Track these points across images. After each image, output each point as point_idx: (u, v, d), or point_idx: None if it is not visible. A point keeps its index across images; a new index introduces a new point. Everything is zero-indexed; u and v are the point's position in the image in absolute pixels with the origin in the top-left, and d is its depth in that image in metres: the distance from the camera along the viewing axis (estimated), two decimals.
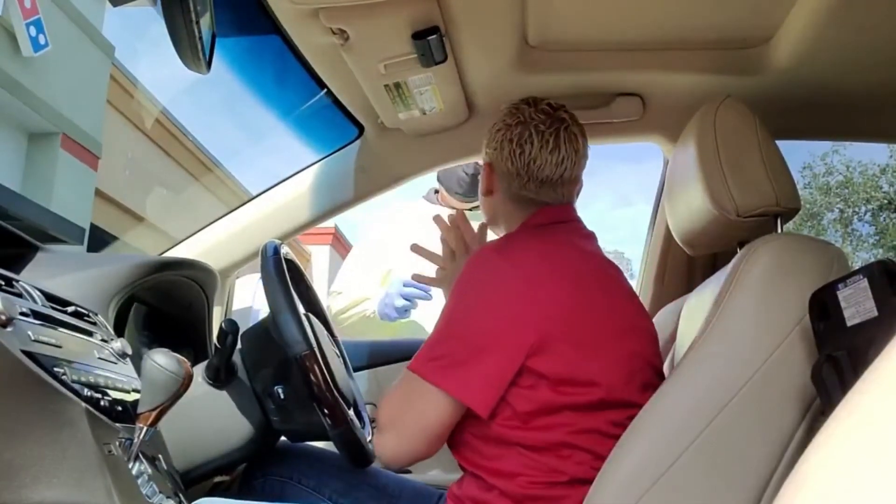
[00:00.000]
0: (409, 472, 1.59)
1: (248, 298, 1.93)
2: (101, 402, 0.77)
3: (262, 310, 1.86)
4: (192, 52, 0.87)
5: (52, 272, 1.06)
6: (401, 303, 1.86)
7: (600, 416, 0.96)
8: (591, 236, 1.14)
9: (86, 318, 0.94)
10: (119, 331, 1.18)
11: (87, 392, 0.75)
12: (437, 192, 2.08)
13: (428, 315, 1.87)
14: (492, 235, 1.25)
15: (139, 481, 0.77)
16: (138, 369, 0.84)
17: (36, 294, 0.85)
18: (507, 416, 0.96)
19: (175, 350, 0.83)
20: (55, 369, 0.72)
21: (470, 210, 2.01)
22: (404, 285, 1.86)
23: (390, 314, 1.86)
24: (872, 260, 0.77)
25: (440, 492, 1.14)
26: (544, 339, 0.94)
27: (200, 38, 0.87)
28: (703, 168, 1.02)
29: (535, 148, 1.10)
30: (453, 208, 2.01)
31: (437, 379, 0.96)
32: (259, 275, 1.11)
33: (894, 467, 0.21)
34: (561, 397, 0.95)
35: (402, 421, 1.00)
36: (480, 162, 1.86)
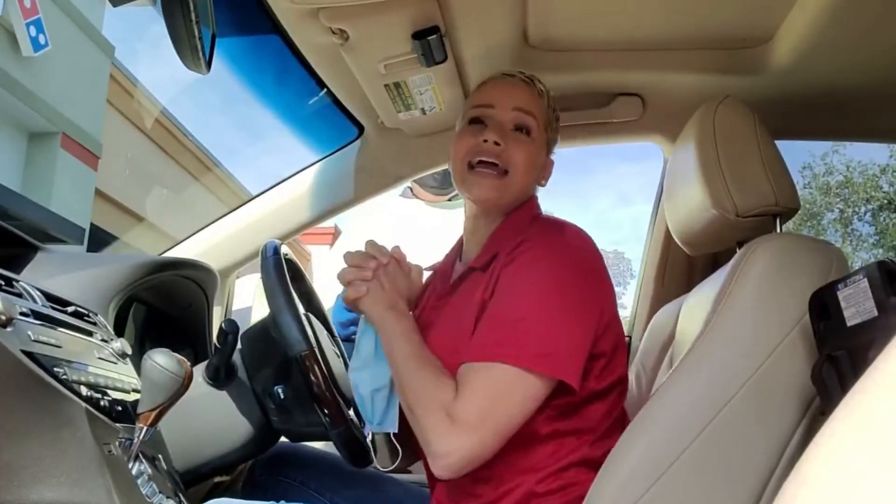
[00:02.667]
0: (408, 471, 1.59)
1: (248, 298, 1.93)
2: (101, 402, 0.77)
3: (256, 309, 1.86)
4: (192, 52, 0.87)
5: (52, 272, 1.06)
6: (346, 316, 1.72)
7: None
8: None
9: (86, 318, 0.94)
10: (119, 331, 1.18)
11: (86, 392, 0.75)
12: (411, 188, 2.07)
13: None
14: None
15: (139, 481, 0.77)
16: (138, 369, 0.84)
17: (36, 294, 0.85)
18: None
19: (175, 350, 0.83)
20: (55, 369, 0.72)
21: (448, 201, 2.02)
22: None
23: (339, 331, 1.53)
24: (872, 260, 0.77)
25: None
26: (608, 323, 0.96)
27: (200, 38, 0.87)
28: (702, 168, 1.02)
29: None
30: (429, 201, 2.02)
31: (535, 364, 0.88)
32: (259, 275, 1.11)
33: (894, 466, 0.21)
34: (599, 383, 0.97)
35: (494, 416, 0.87)
36: None
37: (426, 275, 1.14)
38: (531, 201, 1.10)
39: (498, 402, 0.88)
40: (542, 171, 1.10)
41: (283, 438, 1.24)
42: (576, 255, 0.97)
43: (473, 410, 0.87)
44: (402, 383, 0.95)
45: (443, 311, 1.06)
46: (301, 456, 1.26)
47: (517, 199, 1.06)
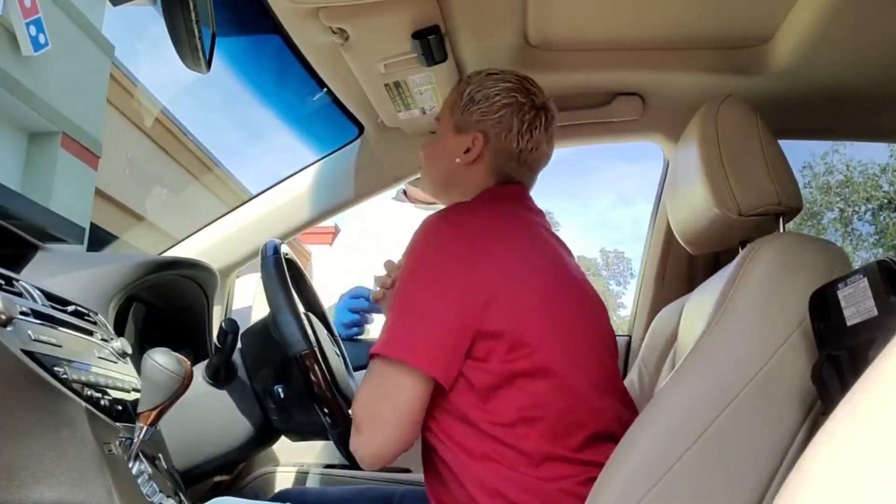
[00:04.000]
0: (408, 470, 1.59)
1: (248, 298, 1.92)
2: (101, 402, 0.77)
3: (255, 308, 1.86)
4: (192, 52, 0.87)
5: (53, 272, 1.06)
6: (348, 317, 1.74)
7: (541, 384, 0.94)
8: (540, 212, 1.14)
9: (86, 317, 0.94)
10: (119, 330, 1.18)
11: (87, 391, 0.75)
12: (404, 191, 2.06)
13: None
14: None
15: (139, 480, 0.77)
16: (138, 369, 0.84)
17: (36, 293, 0.85)
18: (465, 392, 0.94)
19: (175, 349, 0.83)
20: (55, 369, 0.72)
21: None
22: (351, 297, 1.75)
23: (340, 331, 1.65)
24: (872, 259, 0.77)
25: None
26: (489, 299, 0.92)
27: (200, 38, 0.87)
28: (704, 167, 1.02)
29: (541, 136, 1.11)
30: (422, 202, 2.01)
31: (393, 352, 0.92)
32: (259, 274, 1.11)
33: (894, 465, 0.21)
34: (510, 365, 0.93)
35: (376, 413, 0.93)
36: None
37: None
38: (483, 193, 1.10)
39: (371, 397, 0.94)
40: (450, 153, 1.12)
41: (282, 438, 1.24)
42: (437, 239, 0.97)
43: (357, 412, 0.95)
44: None
45: None
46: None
47: (434, 188, 1.19)
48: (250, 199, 1.69)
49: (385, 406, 0.92)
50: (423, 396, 0.93)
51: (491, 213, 1.02)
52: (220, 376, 1.14)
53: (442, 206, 1.07)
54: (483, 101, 1.10)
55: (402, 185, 2.03)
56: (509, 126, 1.09)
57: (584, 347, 1.00)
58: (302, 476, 1.59)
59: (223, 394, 1.14)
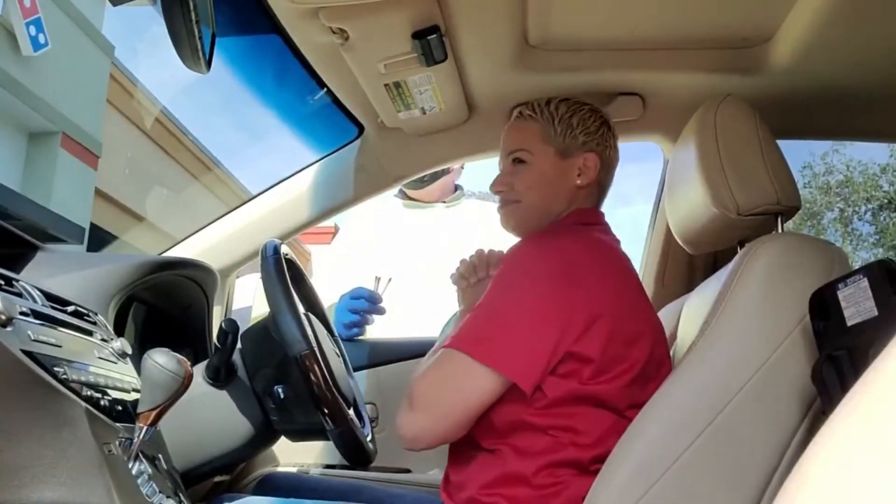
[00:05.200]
0: (408, 470, 1.59)
1: (248, 298, 1.92)
2: (101, 402, 0.77)
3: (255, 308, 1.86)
4: (192, 51, 0.87)
5: (52, 272, 1.06)
6: (348, 318, 1.73)
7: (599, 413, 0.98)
8: (618, 241, 1.18)
9: (86, 317, 0.94)
10: (119, 331, 1.18)
11: (86, 392, 0.75)
12: (404, 191, 2.06)
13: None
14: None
15: (139, 481, 0.77)
16: (138, 369, 0.84)
17: (36, 294, 0.84)
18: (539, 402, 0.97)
19: (175, 350, 0.83)
20: (55, 369, 0.72)
21: (446, 203, 2.01)
22: (351, 297, 1.74)
23: (340, 331, 1.65)
24: (872, 259, 0.77)
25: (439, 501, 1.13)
26: (587, 326, 0.96)
27: (200, 37, 0.87)
28: (703, 167, 1.02)
29: (615, 152, 1.20)
30: (423, 201, 2.01)
31: (484, 356, 0.95)
32: (259, 274, 1.11)
33: (894, 465, 0.21)
34: (584, 387, 0.97)
35: (437, 398, 0.98)
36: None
37: None
38: (575, 213, 1.14)
39: (440, 384, 0.98)
40: (565, 177, 1.14)
41: (282, 438, 1.24)
42: (545, 260, 1.00)
43: (419, 391, 0.99)
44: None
45: None
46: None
47: (539, 217, 1.15)
48: (250, 199, 1.69)
49: (455, 397, 0.97)
50: (493, 400, 0.97)
51: (591, 240, 1.07)
52: (220, 376, 1.14)
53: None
54: (580, 124, 1.16)
55: (402, 185, 2.03)
56: (607, 143, 1.17)
57: (646, 382, 1.01)
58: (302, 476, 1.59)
59: (223, 394, 1.14)
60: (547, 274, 0.99)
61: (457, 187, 2.06)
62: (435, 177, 1.92)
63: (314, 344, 1.05)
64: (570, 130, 1.15)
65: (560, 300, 0.97)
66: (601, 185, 1.18)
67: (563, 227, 1.12)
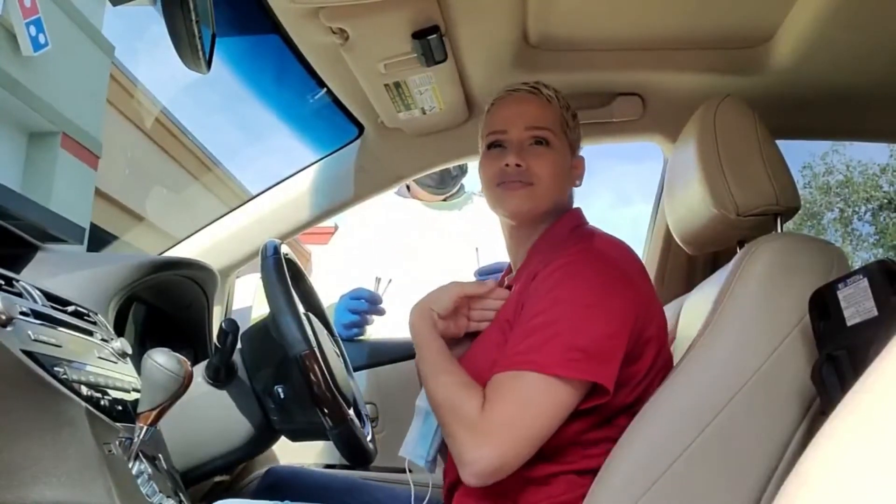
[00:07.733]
0: (408, 471, 1.59)
1: (248, 298, 1.92)
2: (101, 402, 0.77)
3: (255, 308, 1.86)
4: (192, 51, 0.88)
5: (52, 272, 1.06)
6: (348, 318, 1.72)
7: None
8: None
9: (86, 317, 0.94)
10: (119, 330, 1.18)
11: (86, 391, 0.75)
12: (408, 187, 2.07)
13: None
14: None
15: (139, 481, 0.77)
16: (138, 369, 0.84)
17: (36, 294, 0.85)
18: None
19: (175, 350, 0.83)
20: (55, 369, 0.72)
21: (444, 201, 2.01)
22: (351, 297, 1.73)
23: (340, 331, 1.61)
24: (872, 260, 0.77)
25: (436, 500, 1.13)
26: (640, 331, 0.94)
27: (200, 37, 0.87)
28: (703, 167, 1.02)
29: None
30: (425, 201, 2.01)
31: (567, 370, 0.88)
32: (259, 274, 1.11)
33: (894, 466, 0.21)
34: (629, 397, 0.94)
35: (520, 425, 0.88)
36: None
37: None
38: (571, 214, 1.08)
39: (524, 411, 0.88)
40: (570, 175, 1.09)
41: (282, 438, 1.24)
42: (604, 261, 0.97)
43: (498, 420, 0.88)
44: (433, 397, 0.97)
45: (488, 328, 1.06)
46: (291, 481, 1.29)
47: (550, 208, 1.05)
48: (250, 199, 1.69)
49: (532, 419, 0.88)
50: (571, 407, 0.90)
51: (619, 243, 1.03)
52: (220, 376, 1.14)
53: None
54: (578, 126, 1.10)
55: (402, 185, 2.03)
56: (579, 139, 1.10)
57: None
58: None
59: (223, 394, 1.14)
60: (604, 274, 0.95)
61: (460, 186, 2.06)
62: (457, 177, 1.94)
63: (314, 344, 1.05)
64: (576, 129, 1.10)
65: (617, 299, 0.93)
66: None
67: (588, 232, 1.05)
